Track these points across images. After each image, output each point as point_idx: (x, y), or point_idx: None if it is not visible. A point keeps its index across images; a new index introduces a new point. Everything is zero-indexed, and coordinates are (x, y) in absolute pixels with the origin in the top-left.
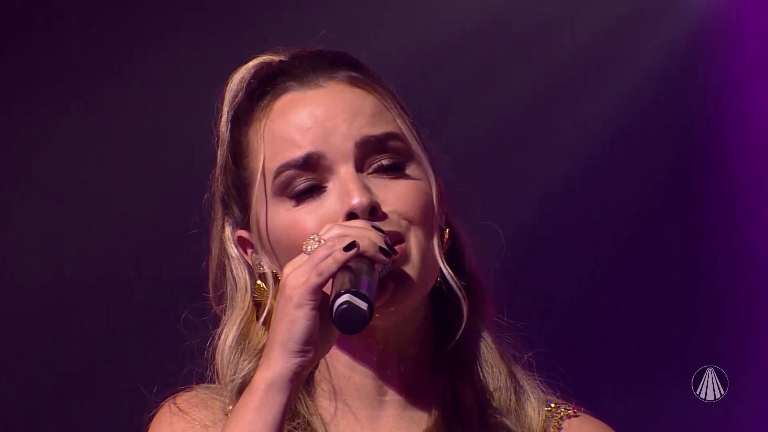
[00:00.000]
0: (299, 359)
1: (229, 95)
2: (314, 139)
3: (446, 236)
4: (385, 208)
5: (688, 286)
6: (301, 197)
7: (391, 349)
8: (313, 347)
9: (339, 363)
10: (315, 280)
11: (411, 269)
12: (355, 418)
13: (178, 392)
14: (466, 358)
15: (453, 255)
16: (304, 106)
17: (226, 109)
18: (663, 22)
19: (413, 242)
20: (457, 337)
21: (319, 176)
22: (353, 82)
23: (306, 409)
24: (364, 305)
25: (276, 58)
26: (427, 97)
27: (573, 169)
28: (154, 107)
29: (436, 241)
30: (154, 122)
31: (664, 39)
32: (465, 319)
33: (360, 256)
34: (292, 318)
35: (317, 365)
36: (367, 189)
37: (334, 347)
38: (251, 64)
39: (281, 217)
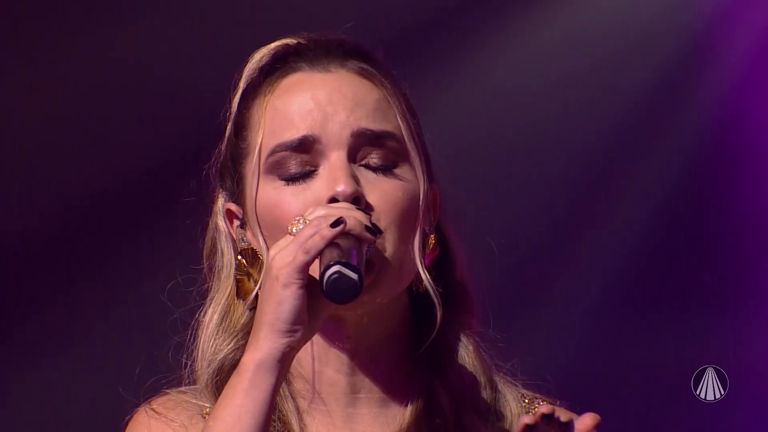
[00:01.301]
0: (287, 339)
1: (246, 72)
2: (312, 123)
3: (432, 243)
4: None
5: (690, 288)
6: (290, 180)
7: (363, 346)
8: (301, 327)
9: (313, 359)
10: (302, 258)
11: (383, 261)
12: (329, 415)
13: (152, 397)
14: (445, 362)
15: (443, 263)
16: (308, 88)
17: (242, 84)
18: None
19: (389, 240)
20: (434, 337)
21: (311, 159)
22: (363, 73)
23: (284, 403)
24: (354, 275)
25: (296, 40)
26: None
27: (567, 177)
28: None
29: (416, 243)
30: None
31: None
32: (438, 323)
33: (346, 235)
34: (280, 298)
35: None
36: (354, 178)
37: (307, 344)
38: (273, 45)
39: (268, 194)
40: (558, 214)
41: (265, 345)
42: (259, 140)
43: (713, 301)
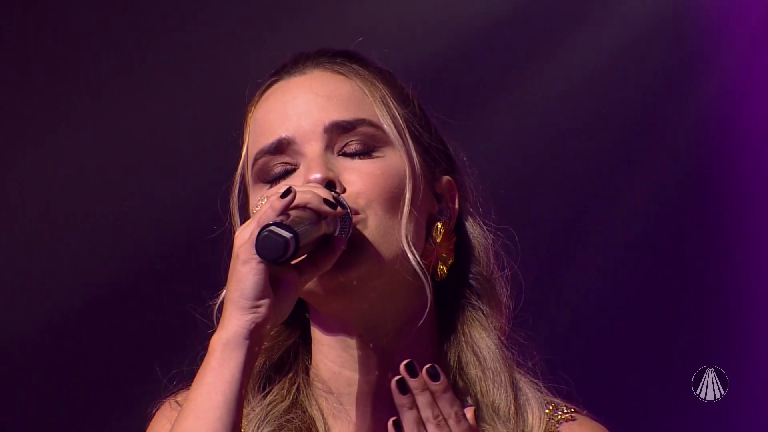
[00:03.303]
0: (251, 315)
1: None
2: (287, 125)
3: (441, 230)
4: (347, 188)
5: (698, 293)
6: (274, 181)
7: (374, 343)
8: (265, 302)
9: (329, 360)
10: (257, 232)
11: (363, 241)
12: (348, 416)
13: (179, 390)
14: (466, 363)
15: (463, 256)
16: (283, 93)
17: None
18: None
19: (371, 219)
20: (458, 334)
21: (292, 160)
22: (337, 69)
23: (308, 402)
24: (287, 234)
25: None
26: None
27: (585, 175)
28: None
29: (403, 222)
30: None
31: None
32: (429, 303)
33: (304, 209)
34: (240, 275)
35: (311, 360)
36: (326, 166)
37: (323, 344)
38: None
39: (257, 201)
40: (570, 217)
41: (230, 324)
42: (244, 153)
43: (731, 303)
